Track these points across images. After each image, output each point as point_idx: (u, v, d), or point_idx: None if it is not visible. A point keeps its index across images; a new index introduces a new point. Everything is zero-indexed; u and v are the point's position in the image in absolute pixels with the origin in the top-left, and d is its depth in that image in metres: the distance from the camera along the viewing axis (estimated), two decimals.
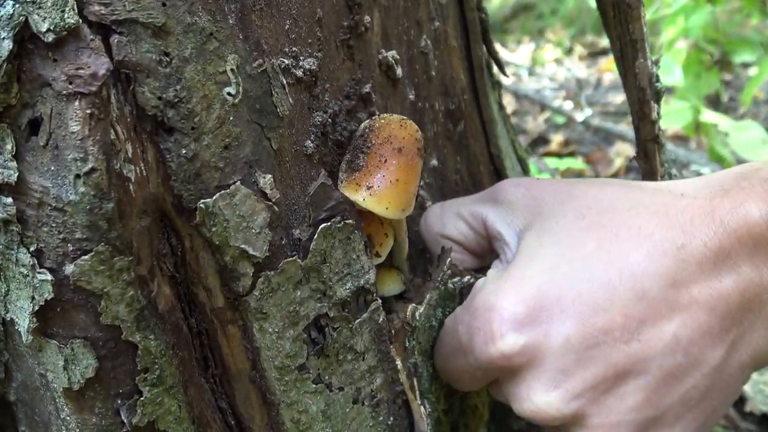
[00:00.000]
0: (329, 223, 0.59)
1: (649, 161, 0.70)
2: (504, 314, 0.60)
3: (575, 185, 0.68)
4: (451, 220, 0.74)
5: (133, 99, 0.50)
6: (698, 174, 3.02)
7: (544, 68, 4.85)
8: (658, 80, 0.67)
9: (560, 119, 3.66)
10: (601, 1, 0.74)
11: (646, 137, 0.68)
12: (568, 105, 4.03)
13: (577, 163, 2.90)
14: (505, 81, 4.42)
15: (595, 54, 5.26)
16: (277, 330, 0.59)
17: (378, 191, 0.60)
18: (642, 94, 0.66)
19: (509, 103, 4.05)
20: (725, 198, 0.58)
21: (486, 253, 0.75)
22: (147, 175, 0.52)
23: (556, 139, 3.54)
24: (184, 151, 0.52)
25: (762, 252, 0.57)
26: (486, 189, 0.75)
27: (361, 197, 0.60)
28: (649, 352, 0.58)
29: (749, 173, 0.60)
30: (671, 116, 1.59)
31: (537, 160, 3.00)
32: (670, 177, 0.75)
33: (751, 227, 0.56)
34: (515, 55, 5.27)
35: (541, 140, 3.64)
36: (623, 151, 3.15)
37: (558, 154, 3.28)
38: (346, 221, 0.60)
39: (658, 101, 0.67)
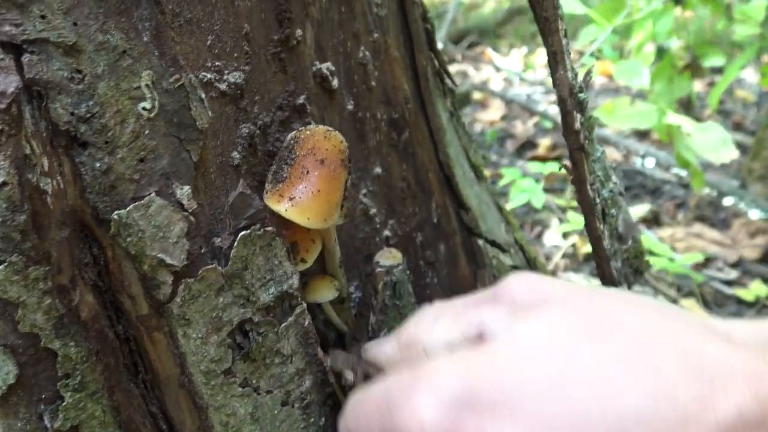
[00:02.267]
0: (249, 231, 0.61)
1: (578, 169, 0.71)
2: (441, 391, 0.50)
3: (595, 292, 0.58)
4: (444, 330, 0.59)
5: (47, 115, 0.52)
6: (679, 177, 3.03)
7: (535, 72, 4.86)
8: (581, 90, 0.68)
9: (548, 123, 3.68)
10: (535, 16, 0.75)
11: (572, 146, 0.70)
12: (556, 109, 4.04)
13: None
14: (495, 86, 4.44)
15: None
16: (201, 335, 0.61)
17: (299, 202, 0.62)
18: (563, 105, 0.67)
19: (498, 108, 4.07)
20: None
21: None
22: (64, 187, 0.54)
23: (544, 143, 3.56)
24: (98, 165, 0.53)
25: None
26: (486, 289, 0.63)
27: (283, 208, 0.62)
28: None
29: None
30: (637, 117, 1.61)
31: (522, 165, 3.02)
32: (602, 185, 0.76)
33: None
34: (507, 60, 5.29)
35: (529, 144, 3.66)
36: (609, 156, 3.17)
37: (545, 158, 3.30)
38: (266, 228, 0.62)
39: (581, 111, 0.68)
